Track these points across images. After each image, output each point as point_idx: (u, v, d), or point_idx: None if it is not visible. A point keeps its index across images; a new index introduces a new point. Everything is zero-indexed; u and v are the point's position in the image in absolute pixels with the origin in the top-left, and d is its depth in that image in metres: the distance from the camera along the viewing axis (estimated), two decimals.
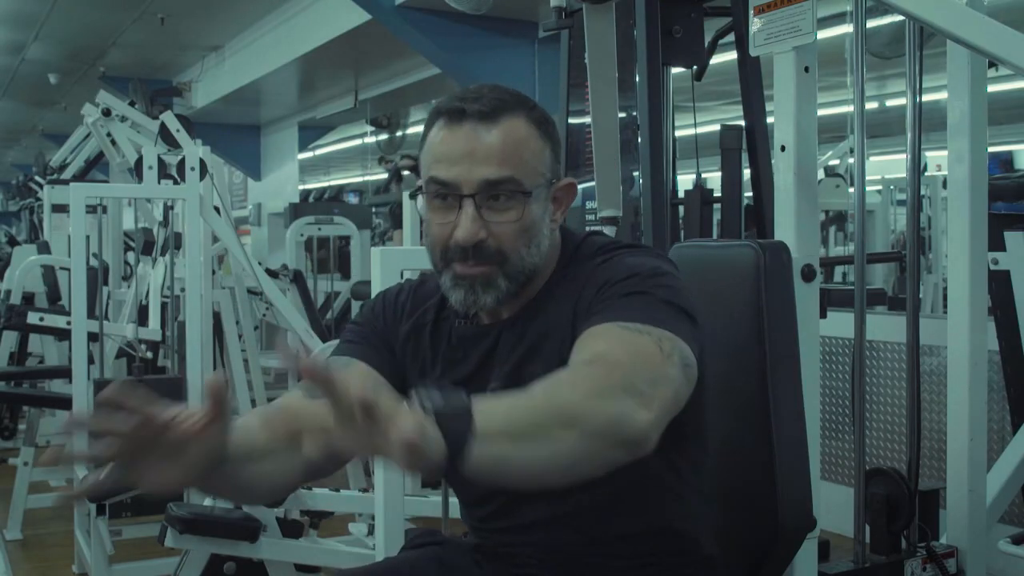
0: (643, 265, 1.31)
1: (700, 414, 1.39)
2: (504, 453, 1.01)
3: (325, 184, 12.03)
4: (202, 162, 4.07)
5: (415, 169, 7.45)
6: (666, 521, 1.40)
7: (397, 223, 7.35)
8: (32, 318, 4.26)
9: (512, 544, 1.43)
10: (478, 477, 1.00)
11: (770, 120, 2.08)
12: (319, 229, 7.45)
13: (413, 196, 4.56)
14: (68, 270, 4.15)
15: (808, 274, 1.84)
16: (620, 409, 1.08)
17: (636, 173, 2.66)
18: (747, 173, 2.73)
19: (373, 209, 8.99)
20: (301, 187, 11.17)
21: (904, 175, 2.56)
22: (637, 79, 2.62)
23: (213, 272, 5.10)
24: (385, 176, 8.23)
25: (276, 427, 1.26)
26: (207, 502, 2.68)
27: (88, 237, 3.98)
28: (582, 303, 1.31)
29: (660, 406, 1.13)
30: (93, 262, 4.44)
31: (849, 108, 2.51)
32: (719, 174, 2.80)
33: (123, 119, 5.36)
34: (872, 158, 5.39)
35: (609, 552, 1.37)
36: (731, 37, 2.76)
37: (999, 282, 2.73)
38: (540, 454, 1.03)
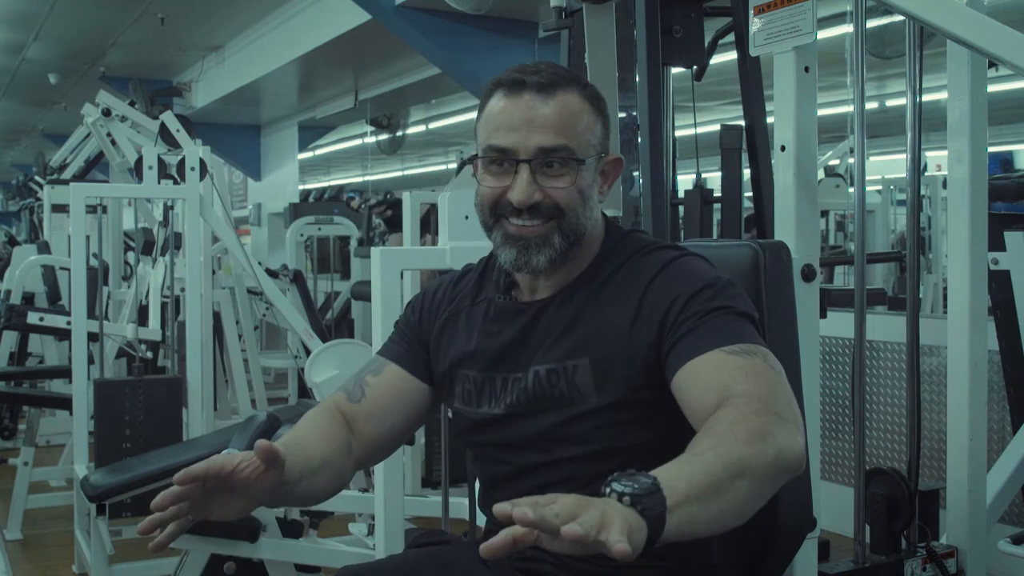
0: (709, 275, 1.37)
1: None
2: (692, 516, 1.07)
3: (325, 184, 12.03)
4: (202, 162, 4.07)
5: (389, 219, 7.42)
6: None
7: (395, 227, 7.36)
8: (32, 318, 4.26)
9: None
10: (670, 540, 1.06)
11: (770, 120, 2.08)
12: (319, 229, 7.45)
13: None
14: (68, 270, 4.15)
15: (808, 274, 1.84)
16: (778, 445, 1.15)
17: (636, 173, 2.66)
18: (747, 173, 2.73)
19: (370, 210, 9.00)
20: (301, 187, 11.17)
21: (904, 175, 2.56)
22: (637, 79, 2.62)
23: (213, 272, 5.10)
24: (376, 220, 8.19)
25: (332, 438, 1.41)
26: None
27: (88, 237, 3.98)
28: (658, 309, 1.33)
29: (799, 422, 1.22)
30: (93, 262, 4.44)
31: (849, 108, 2.51)
32: (719, 174, 2.80)
33: (123, 119, 5.36)
34: (872, 158, 5.39)
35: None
36: (731, 37, 2.76)
37: (999, 282, 2.72)
38: (722, 507, 1.10)
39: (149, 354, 4.51)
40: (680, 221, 2.88)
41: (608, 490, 1.03)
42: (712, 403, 1.22)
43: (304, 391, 5.45)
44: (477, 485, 2.30)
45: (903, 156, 2.53)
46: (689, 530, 1.08)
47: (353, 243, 7.61)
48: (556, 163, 1.35)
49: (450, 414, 1.59)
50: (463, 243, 2.32)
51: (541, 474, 1.38)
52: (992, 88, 2.53)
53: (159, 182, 4.04)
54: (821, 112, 2.00)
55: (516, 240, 1.37)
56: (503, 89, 1.38)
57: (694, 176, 3.18)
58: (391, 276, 2.29)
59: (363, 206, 8.62)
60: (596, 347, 1.36)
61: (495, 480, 1.49)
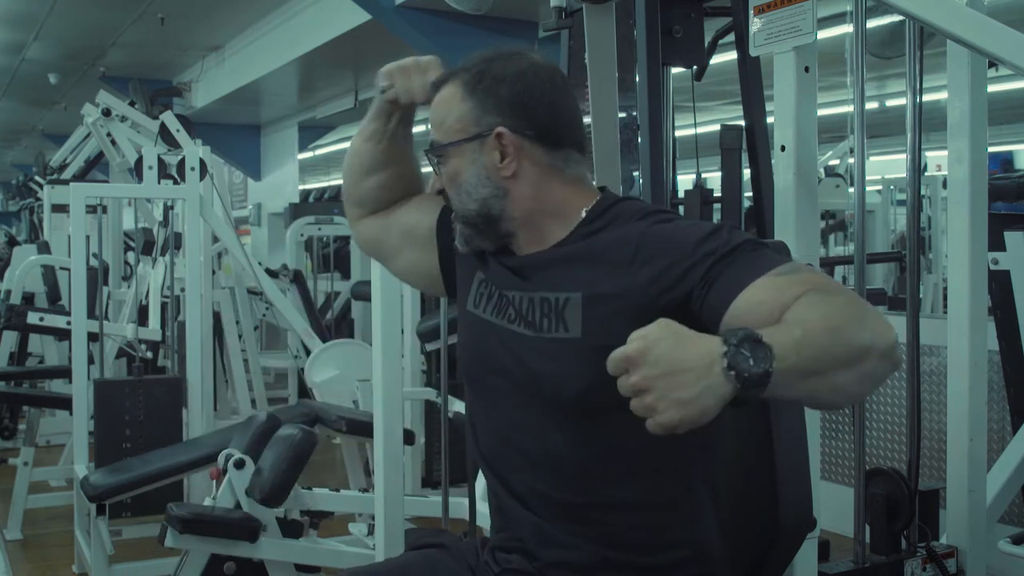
0: (710, 224, 1.37)
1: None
2: (801, 378, 1.10)
3: (325, 184, 12.03)
4: (202, 162, 4.07)
5: None
6: (670, 522, 1.39)
7: None
8: (32, 318, 4.27)
9: (520, 542, 1.43)
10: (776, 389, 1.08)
11: (770, 120, 2.08)
12: (319, 229, 7.45)
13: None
14: (68, 270, 4.15)
15: None
16: (877, 324, 1.14)
17: (636, 173, 2.66)
18: (747, 173, 2.73)
19: None
20: (301, 187, 11.17)
21: (904, 175, 2.56)
22: (637, 79, 2.61)
23: (213, 272, 5.11)
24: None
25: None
26: (207, 501, 2.69)
27: (88, 237, 3.98)
28: (675, 256, 1.32)
29: (879, 316, 1.18)
30: (93, 262, 4.45)
31: (849, 108, 2.51)
32: (719, 174, 2.80)
33: (123, 119, 5.37)
34: (872, 158, 5.39)
35: (616, 554, 1.37)
36: (731, 37, 2.76)
37: (999, 282, 2.73)
38: (835, 379, 1.12)
39: (149, 354, 4.51)
40: None
41: (721, 349, 1.06)
42: (780, 305, 1.19)
43: (304, 391, 5.46)
44: (477, 485, 2.31)
45: (903, 156, 2.53)
46: (792, 397, 1.15)
47: (353, 244, 7.61)
48: (432, 157, 1.50)
49: (451, 414, 1.59)
50: None
51: (534, 421, 1.40)
52: (992, 88, 2.53)
53: (159, 182, 4.04)
54: (821, 112, 2.00)
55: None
56: None
57: (694, 176, 3.18)
58: (391, 276, 2.28)
59: None
60: (592, 286, 1.36)
61: (487, 432, 1.50)
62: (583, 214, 1.44)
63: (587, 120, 2.48)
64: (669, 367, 1.05)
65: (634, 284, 1.33)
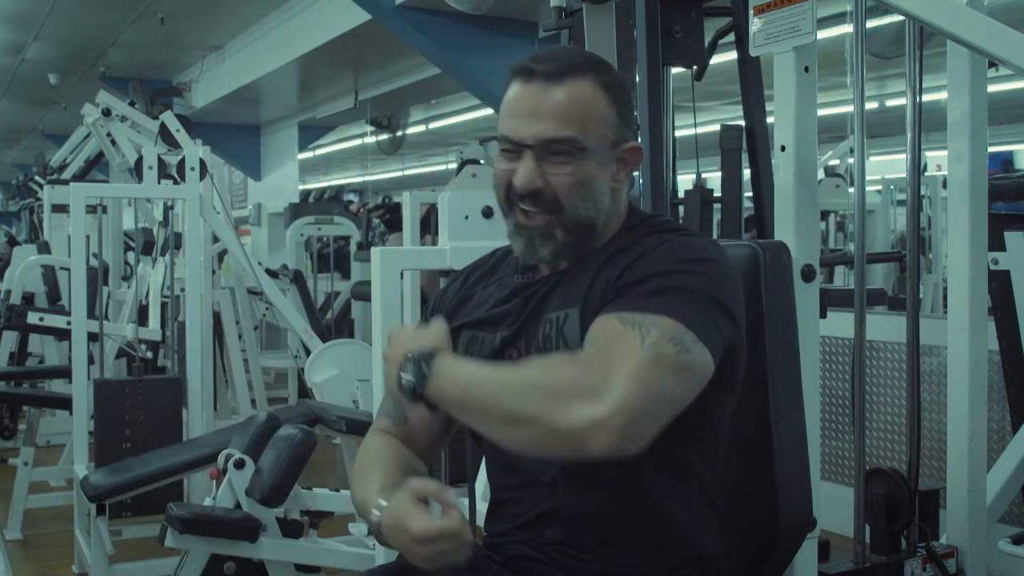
0: (689, 248, 1.35)
1: (715, 415, 1.39)
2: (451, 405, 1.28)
3: (325, 184, 12.03)
4: (202, 162, 4.07)
5: (389, 221, 7.43)
6: (671, 523, 1.39)
7: (394, 227, 7.35)
8: (32, 318, 4.26)
9: (520, 540, 1.43)
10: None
11: (770, 120, 2.08)
12: (319, 229, 7.44)
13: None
14: (68, 270, 4.15)
15: (808, 274, 1.84)
16: (557, 408, 1.18)
17: (636, 173, 2.66)
18: (747, 173, 2.73)
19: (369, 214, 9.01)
20: (301, 187, 11.17)
21: (904, 175, 2.56)
22: (637, 79, 2.62)
23: (213, 272, 5.10)
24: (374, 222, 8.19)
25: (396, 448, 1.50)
26: (207, 501, 2.69)
27: (88, 237, 3.98)
28: (631, 269, 1.34)
29: (623, 409, 1.16)
30: (93, 262, 4.44)
31: (849, 108, 2.52)
32: (719, 174, 2.80)
33: (123, 119, 5.36)
34: (872, 158, 5.39)
35: (614, 553, 1.37)
36: (731, 37, 2.76)
37: (999, 282, 2.72)
38: (481, 421, 1.28)
39: (149, 354, 4.50)
40: (680, 221, 2.88)
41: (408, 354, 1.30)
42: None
43: (304, 391, 5.46)
44: (477, 485, 2.31)
45: (903, 156, 2.53)
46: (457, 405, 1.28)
47: (353, 245, 7.61)
48: (562, 152, 1.36)
49: None
50: (463, 243, 2.32)
51: None
52: (992, 88, 2.53)
53: (159, 182, 4.04)
54: (821, 112, 2.00)
55: (523, 230, 1.40)
56: (516, 77, 1.40)
57: (694, 176, 3.18)
58: (391, 276, 2.29)
59: (362, 210, 8.62)
60: (587, 299, 1.36)
61: (494, 468, 1.51)
62: (616, 231, 1.45)
63: None
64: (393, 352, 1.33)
65: (612, 287, 1.35)
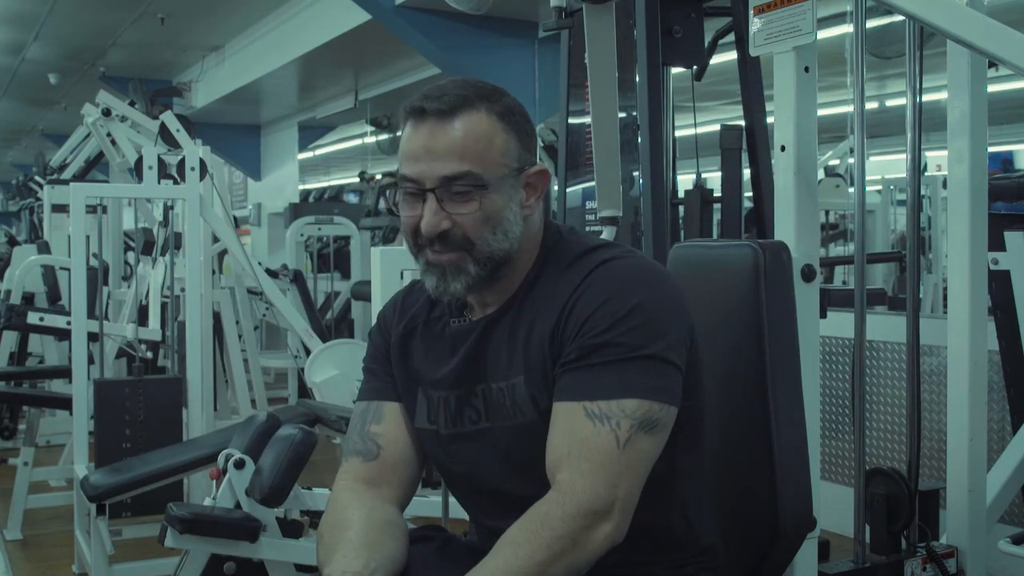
0: (620, 291, 1.33)
1: (697, 420, 1.43)
2: None
3: (325, 184, 12.03)
4: (202, 162, 4.07)
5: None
6: (664, 519, 1.40)
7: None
8: (32, 318, 4.26)
9: None
10: None
11: (770, 120, 2.08)
12: (319, 229, 7.44)
13: (384, 189, 4.58)
14: (68, 270, 4.15)
15: (808, 274, 1.84)
16: (569, 562, 1.26)
17: (636, 173, 2.66)
18: (747, 173, 2.73)
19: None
20: (301, 187, 11.17)
21: (904, 175, 2.56)
22: (637, 79, 2.62)
23: (213, 272, 5.10)
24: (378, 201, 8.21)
25: (379, 527, 1.43)
26: (207, 501, 2.69)
27: (88, 237, 3.98)
28: (566, 327, 1.35)
29: (620, 512, 1.28)
30: (93, 262, 4.44)
31: (849, 108, 2.52)
32: (719, 174, 2.80)
33: (123, 119, 5.36)
34: (872, 158, 5.39)
35: (612, 554, 1.37)
36: (731, 37, 2.76)
37: (999, 282, 2.72)
38: None
39: (149, 354, 4.50)
40: (680, 221, 2.88)
41: None
42: (553, 461, 1.31)
43: (304, 391, 5.45)
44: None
45: (903, 156, 2.53)
46: None
47: (353, 243, 7.61)
48: (463, 189, 1.33)
49: None
50: None
51: (504, 489, 1.42)
52: (992, 88, 2.53)
53: (159, 182, 4.04)
54: (821, 112, 2.00)
55: (434, 267, 1.38)
56: (409, 117, 1.37)
57: (694, 176, 3.18)
58: (391, 276, 2.29)
59: (372, 180, 8.60)
60: (528, 363, 1.37)
61: (465, 494, 1.54)
62: (537, 252, 1.43)
63: (587, 120, 2.48)
64: None
65: (553, 357, 1.36)
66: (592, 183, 2.45)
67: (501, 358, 1.40)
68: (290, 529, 2.69)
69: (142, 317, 4.16)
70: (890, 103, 6.32)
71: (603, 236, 2.29)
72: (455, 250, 1.36)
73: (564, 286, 1.37)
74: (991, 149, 2.57)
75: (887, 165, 6.24)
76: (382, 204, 8.13)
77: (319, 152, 12.04)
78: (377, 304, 2.31)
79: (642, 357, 1.31)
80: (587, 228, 3.71)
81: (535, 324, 1.38)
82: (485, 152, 1.34)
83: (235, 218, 6.12)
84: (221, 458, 2.67)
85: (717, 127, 2.82)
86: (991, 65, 2.48)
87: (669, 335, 1.33)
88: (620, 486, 1.28)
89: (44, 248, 5.48)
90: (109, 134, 5.37)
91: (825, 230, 5.84)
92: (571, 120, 3.27)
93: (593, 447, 1.28)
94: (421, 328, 1.50)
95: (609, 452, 1.28)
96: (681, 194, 2.96)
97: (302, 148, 11.13)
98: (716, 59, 2.86)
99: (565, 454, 1.29)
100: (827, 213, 5.92)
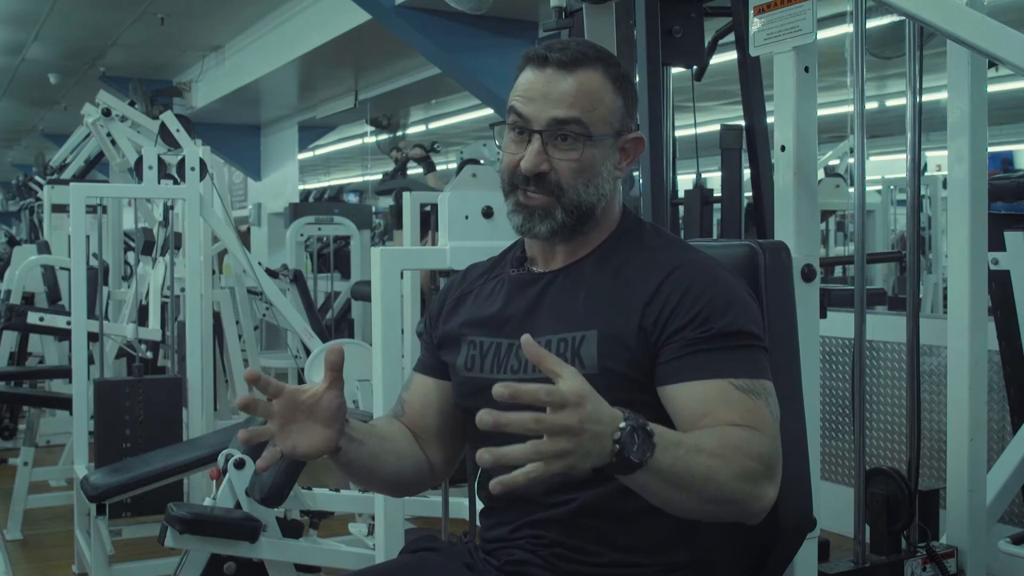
0: (732, 290, 1.40)
1: None
2: (647, 486, 1.18)
3: (325, 184, 12.03)
4: (202, 162, 4.07)
5: (424, 159, 7.42)
6: (665, 519, 1.40)
7: (397, 223, 7.34)
8: (32, 318, 4.26)
9: (513, 540, 1.43)
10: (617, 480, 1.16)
11: (770, 120, 2.08)
12: (319, 229, 7.44)
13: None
14: (68, 270, 4.15)
15: (808, 274, 1.84)
16: (757, 493, 1.26)
17: (636, 173, 2.66)
18: (747, 173, 2.73)
19: (374, 210, 8.99)
20: (301, 187, 11.17)
21: (904, 175, 2.56)
22: (637, 79, 2.61)
23: (213, 272, 5.10)
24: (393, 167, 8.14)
25: (394, 425, 1.55)
26: (207, 501, 2.69)
27: (88, 237, 3.98)
28: (664, 304, 1.37)
29: (778, 476, 1.30)
30: (93, 262, 4.44)
31: (849, 108, 2.51)
32: (719, 174, 2.80)
33: (123, 119, 5.36)
34: (872, 158, 5.39)
35: (642, 528, 1.37)
36: (731, 37, 2.76)
37: (999, 282, 2.73)
38: (678, 501, 1.22)
39: (149, 354, 4.50)
40: (680, 221, 2.88)
41: (620, 423, 1.11)
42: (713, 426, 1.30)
43: None
44: (477, 483, 2.31)
45: (903, 156, 2.53)
46: (637, 489, 1.18)
47: (353, 243, 7.61)
48: (569, 136, 1.40)
49: None
50: (463, 243, 2.32)
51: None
52: (992, 88, 2.53)
53: (159, 182, 4.04)
54: (821, 112, 2.00)
55: (523, 208, 1.44)
56: (530, 63, 1.44)
57: (694, 176, 3.18)
58: (391, 276, 2.29)
59: (397, 151, 8.53)
60: (606, 321, 1.39)
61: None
62: (613, 226, 1.49)
63: None
64: (595, 420, 1.09)
65: (643, 325, 1.37)
66: None
67: (565, 310, 1.43)
68: (290, 529, 2.69)
69: (142, 317, 4.16)
70: (890, 103, 6.33)
71: None
72: (547, 194, 1.42)
73: (664, 262, 1.41)
74: (991, 149, 2.57)
75: (887, 165, 6.25)
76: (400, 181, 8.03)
77: (319, 152, 12.05)
78: (377, 304, 2.31)
79: (759, 348, 1.38)
80: None
81: (622, 288, 1.41)
82: (595, 107, 1.41)
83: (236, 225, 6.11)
84: (221, 458, 2.67)
85: (717, 127, 2.81)
86: (991, 65, 2.48)
87: (763, 327, 1.41)
88: (779, 460, 1.30)
89: (44, 248, 5.48)
90: (109, 134, 5.37)
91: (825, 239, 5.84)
92: None
93: (758, 416, 1.31)
94: (478, 289, 1.55)
95: (769, 423, 1.31)
96: (681, 194, 2.95)
97: (302, 148, 11.13)
98: (716, 59, 2.86)
99: (733, 418, 1.29)
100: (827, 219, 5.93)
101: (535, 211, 1.43)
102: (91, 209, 4.01)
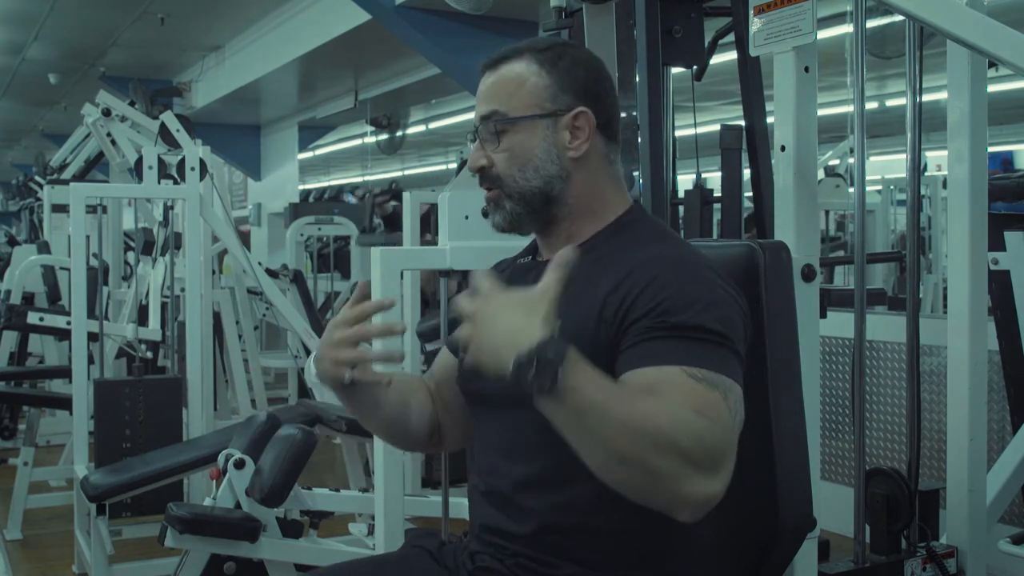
0: (701, 286, 1.33)
1: None
2: (565, 417, 1.16)
3: (325, 184, 12.04)
4: (202, 162, 4.07)
5: (388, 219, 7.44)
6: (664, 518, 1.39)
7: (394, 226, 7.35)
8: (32, 318, 4.26)
9: (486, 551, 1.45)
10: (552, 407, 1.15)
11: (770, 120, 2.08)
12: (319, 229, 7.45)
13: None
14: (68, 270, 4.15)
15: (808, 274, 1.84)
16: (687, 475, 1.16)
17: (636, 173, 2.66)
18: (747, 173, 2.73)
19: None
20: (301, 187, 11.17)
21: (904, 175, 2.56)
22: (637, 79, 2.61)
23: (213, 272, 5.10)
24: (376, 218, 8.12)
25: (417, 379, 1.65)
26: (207, 501, 2.69)
27: (88, 237, 3.98)
28: (626, 295, 1.33)
29: (725, 474, 1.20)
30: (93, 262, 4.44)
31: (849, 108, 2.52)
32: (719, 174, 2.80)
33: (123, 119, 5.36)
34: (872, 158, 5.39)
35: (605, 546, 1.37)
36: (731, 37, 2.76)
37: (999, 282, 2.73)
38: (597, 445, 1.16)
39: (149, 354, 4.51)
40: (680, 221, 2.88)
41: (527, 349, 1.14)
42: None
43: (304, 391, 5.46)
44: (469, 483, 2.31)
45: (903, 156, 2.53)
46: (549, 417, 1.16)
47: (353, 242, 7.62)
48: (495, 129, 1.45)
49: None
50: (463, 243, 2.32)
51: (518, 421, 1.38)
52: (992, 88, 2.53)
53: (159, 182, 4.04)
54: (821, 112, 2.00)
55: (487, 203, 1.51)
56: (481, 73, 1.51)
57: (694, 176, 3.18)
58: (391, 276, 2.28)
59: (367, 195, 8.61)
60: (571, 311, 1.33)
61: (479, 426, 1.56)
62: (612, 219, 1.48)
63: None
64: (496, 328, 1.18)
65: (603, 315, 1.34)
66: None
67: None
68: (290, 529, 2.69)
69: (142, 317, 4.16)
70: (890, 103, 6.33)
71: None
72: (493, 187, 1.48)
73: (637, 252, 1.39)
74: (991, 149, 2.57)
75: (887, 165, 6.24)
76: (376, 219, 8.09)
77: (319, 152, 12.05)
78: None
79: (725, 345, 1.29)
80: None
81: (593, 276, 1.38)
82: (513, 94, 1.45)
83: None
84: (221, 458, 2.67)
85: (717, 127, 2.81)
86: (991, 65, 2.48)
87: (739, 326, 1.34)
88: (729, 457, 1.20)
89: (44, 248, 5.48)
90: (109, 134, 5.37)
91: (826, 242, 5.84)
92: None
93: (712, 407, 1.21)
94: (499, 273, 1.56)
95: (729, 419, 1.23)
96: (681, 194, 2.96)
97: (302, 148, 11.14)
98: (716, 59, 2.86)
99: (677, 388, 1.22)
100: (827, 216, 5.93)
101: (490, 203, 1.49)
102: (91, 209, 4.01)
